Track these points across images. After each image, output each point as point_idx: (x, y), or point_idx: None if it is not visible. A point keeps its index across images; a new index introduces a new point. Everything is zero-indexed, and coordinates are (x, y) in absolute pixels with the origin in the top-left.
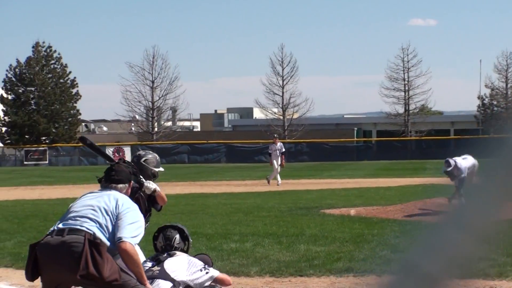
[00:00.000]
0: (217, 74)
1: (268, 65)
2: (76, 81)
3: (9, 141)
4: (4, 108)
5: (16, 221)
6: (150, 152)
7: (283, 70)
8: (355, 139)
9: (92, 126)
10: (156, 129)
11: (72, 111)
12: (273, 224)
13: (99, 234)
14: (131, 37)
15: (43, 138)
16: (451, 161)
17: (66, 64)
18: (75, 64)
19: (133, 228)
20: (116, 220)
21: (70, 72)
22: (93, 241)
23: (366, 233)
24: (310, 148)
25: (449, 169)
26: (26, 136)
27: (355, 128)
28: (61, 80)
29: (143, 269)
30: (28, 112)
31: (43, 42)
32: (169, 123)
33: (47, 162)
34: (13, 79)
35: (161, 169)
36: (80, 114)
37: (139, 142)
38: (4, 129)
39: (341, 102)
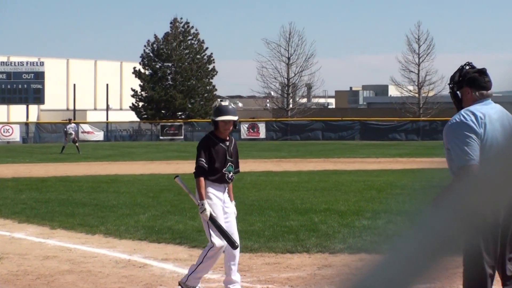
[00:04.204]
0: (353, 51)
1: (404, 42)
2: (213, 57)
3: (145, 116)
4: (142, 83)
5: (151, 194)
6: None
7: (419, 47)
8: None
9: (227, 102)
10: (291, 105)
11: (208, 87)
12: (406, 202)
13: None
14: (268, 14)
15: (179, 113)
16: None
17: (203, 40)
18: (212, 40)
19: None
20: None
21: (207, 48)
22: None
23: None
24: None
25: None
26: (162, 111)
27: None
28: (198, 56)
29: None
30: (165, 87)
31: (181, 18)
32: (304, 100)
33: (182, 137)
34: (151, 54)
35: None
36: (216, 90)
37: (273, 119)
38: (141, 104)
39: None
